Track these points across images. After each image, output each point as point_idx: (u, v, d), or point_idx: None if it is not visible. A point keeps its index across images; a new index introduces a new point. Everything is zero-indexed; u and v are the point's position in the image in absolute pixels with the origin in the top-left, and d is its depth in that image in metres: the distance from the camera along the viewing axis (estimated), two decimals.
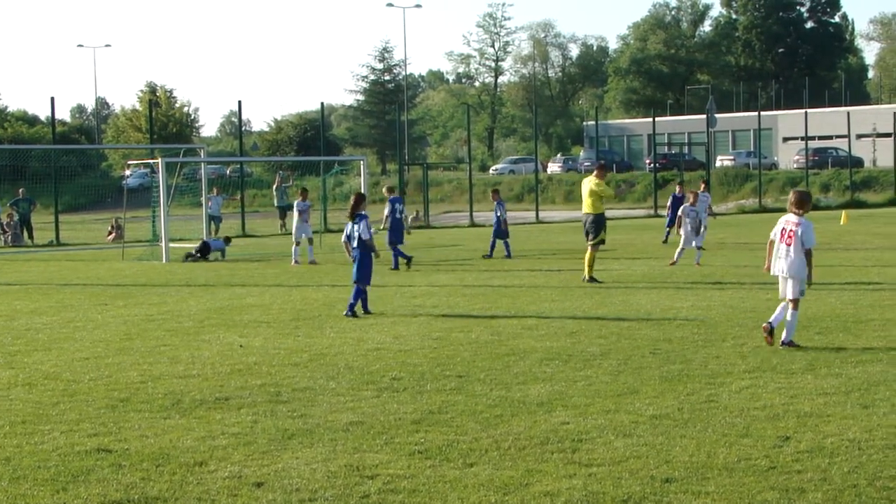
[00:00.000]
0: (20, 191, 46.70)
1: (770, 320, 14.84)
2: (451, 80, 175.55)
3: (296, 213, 31.19)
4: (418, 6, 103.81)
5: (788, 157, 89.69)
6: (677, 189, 37.23)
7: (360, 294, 18.93)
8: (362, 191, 39.59)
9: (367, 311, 18.97)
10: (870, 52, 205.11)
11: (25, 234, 45.26)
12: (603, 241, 24.27)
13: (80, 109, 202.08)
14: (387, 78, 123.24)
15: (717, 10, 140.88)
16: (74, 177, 70.83)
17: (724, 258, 29.68)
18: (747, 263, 27.76)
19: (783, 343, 14.61)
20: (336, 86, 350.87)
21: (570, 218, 58.67)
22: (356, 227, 19.17)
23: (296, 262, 30.50)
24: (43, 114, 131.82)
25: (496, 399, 11.73)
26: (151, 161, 42.13)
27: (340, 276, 25.75)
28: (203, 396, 12.11)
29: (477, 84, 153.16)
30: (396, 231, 28.65)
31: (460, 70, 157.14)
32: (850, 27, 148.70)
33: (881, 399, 11.40)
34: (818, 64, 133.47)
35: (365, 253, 19.10)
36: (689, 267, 26.97)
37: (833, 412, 10.84)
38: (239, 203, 51.32)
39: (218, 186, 48.66)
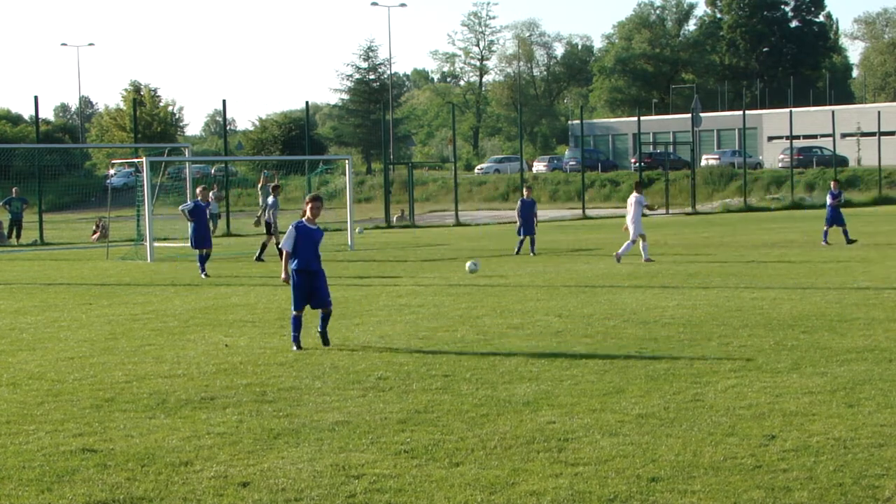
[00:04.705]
0: (14, 189, 46.59)
1: None
2: (435, 80, 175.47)
3: None
4: (403, 5, 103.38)
5: (773, 157, 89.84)
6: (832, 185, 36.05)
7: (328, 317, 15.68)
8: (347, 190, 39.58)
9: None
10: (854, 52, 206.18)
11: (14, 233, 45.13)
12: None
13: (63, 108, 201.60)
14: (372, 77, 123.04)
15: (701, 9, 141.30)
16: (58, 176, 70.56)
17: (710, 257, 29.72)
18: (733, 262, 27.82)
19: None
20: (321, 85, 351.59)
21: (555, 217, 58.81)
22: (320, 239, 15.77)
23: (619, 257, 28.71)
24: (26, 112, 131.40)
25: (482, 398, 11.72)
26: (136, 160, 42.06)
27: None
28: (188, 396, 12.09)
29: (462, 83, 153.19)
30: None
31: (445, 69, 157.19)
32: (834, 26, 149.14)
33: (866, 398, 11.42)
34: (803, 63, 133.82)
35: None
36: (675, 265, 27.01)
37: (818, 411, 10.86)
38: (224, 202, 51.24)
39: (216, 184, 48.57)
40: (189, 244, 28.46)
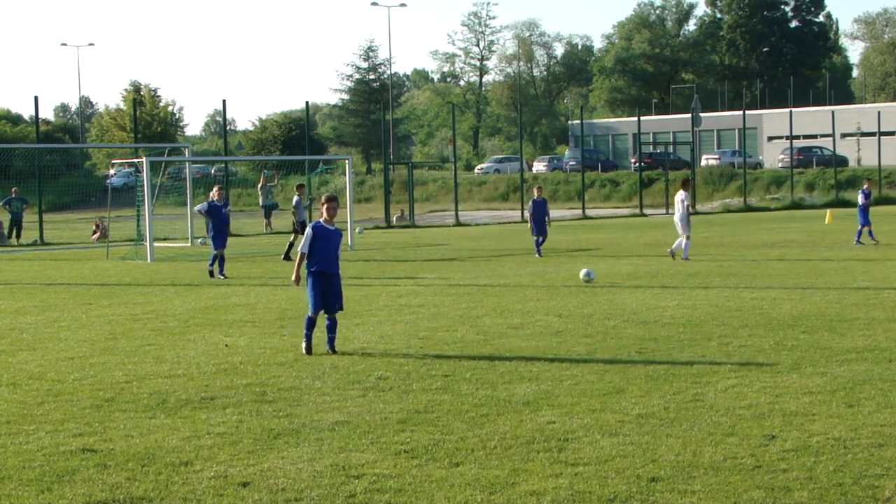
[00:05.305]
0: (13, 190, 46.56)
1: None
2: (435, 80, 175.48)
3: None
4: (403, 5, 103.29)
5: (773, 157, 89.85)
6: (865, 185, 35.21)
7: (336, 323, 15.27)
8: (347, 190, 39.58)
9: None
10: (854, 52, 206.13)
11: (14, 233, 45.10)
12: None
13: (63, 108, 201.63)
14: (372, 77, 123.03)
15: (701, 9, 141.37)
16: (58, 176, 70.51)
17: (710, 257, 29.70)
18: (733, 262, 27.82)
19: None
20: (321, 85, 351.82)
21: (556, 217, 58.76)
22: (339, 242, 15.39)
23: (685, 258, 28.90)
24: (27, 112, 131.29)
25: (482, 398, 11.72)
26: (136, 160, 42.07)
27: None
28: (188, 396, 12.09)
29: (462, 83, 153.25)
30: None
31: (445, 69, 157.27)
32: (834, 26, 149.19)
33: (866, 398, 11.43)
34: (803, 63, 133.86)
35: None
36: (675, 265, 27.01)
37: (818, 411, 10.87)
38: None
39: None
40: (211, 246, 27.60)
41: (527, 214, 32.93)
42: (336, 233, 15.19)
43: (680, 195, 29.22)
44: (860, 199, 34.04)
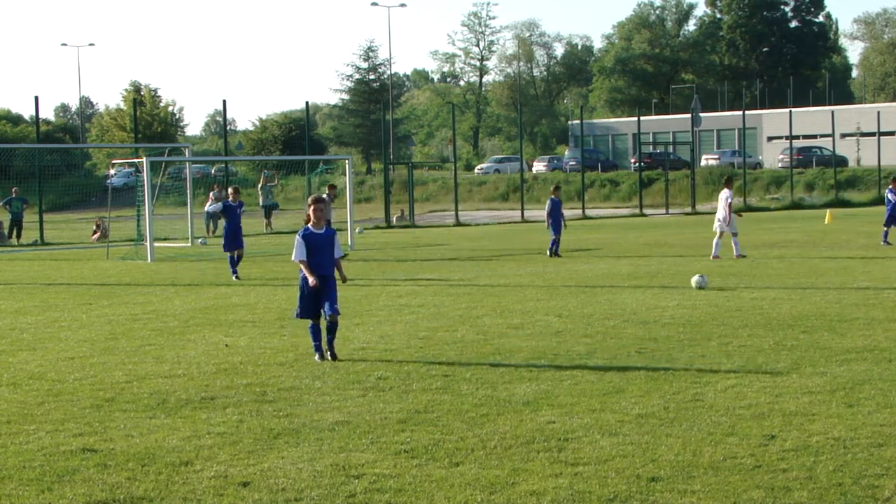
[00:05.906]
0: (13, 190, 46.57)
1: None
2: (435, 80, 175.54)
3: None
4: (403, 5, 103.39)
5: (773, 157, 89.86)
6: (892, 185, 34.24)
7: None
8: (347, 190, 39.56)
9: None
10: (854, 52, 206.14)
11: (14, 233, 45.11)
12: None
13: (64, 108, 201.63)
14: (372, 77, 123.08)
15: (701, 9, 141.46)
16: (59, 176, 70.50)
17: (709, 257, 29.68)
18: (733, 262, 27.82)
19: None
20: (321, 85, 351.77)
21: None
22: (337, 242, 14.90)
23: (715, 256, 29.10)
24: (27, 113, 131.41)
25: (482, 398, 11.72)
26: (136, 160, 42.09)
27: None
28: (188, 396, 12.09)
29: (462, 83, 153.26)
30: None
31: (445, 69, 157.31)
32: (834, 27, 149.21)
33: (866, 398, 11.43)
34: (802, 63, 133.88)
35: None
36: (675, 265, 27.00)
37: (818, 411, 10.87)
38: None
39: (219, 185, 48.56)
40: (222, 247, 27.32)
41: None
42: (328, 233, 14.65)
43: (724, 193, 29.28)
44: (890, 197, 33.52)
